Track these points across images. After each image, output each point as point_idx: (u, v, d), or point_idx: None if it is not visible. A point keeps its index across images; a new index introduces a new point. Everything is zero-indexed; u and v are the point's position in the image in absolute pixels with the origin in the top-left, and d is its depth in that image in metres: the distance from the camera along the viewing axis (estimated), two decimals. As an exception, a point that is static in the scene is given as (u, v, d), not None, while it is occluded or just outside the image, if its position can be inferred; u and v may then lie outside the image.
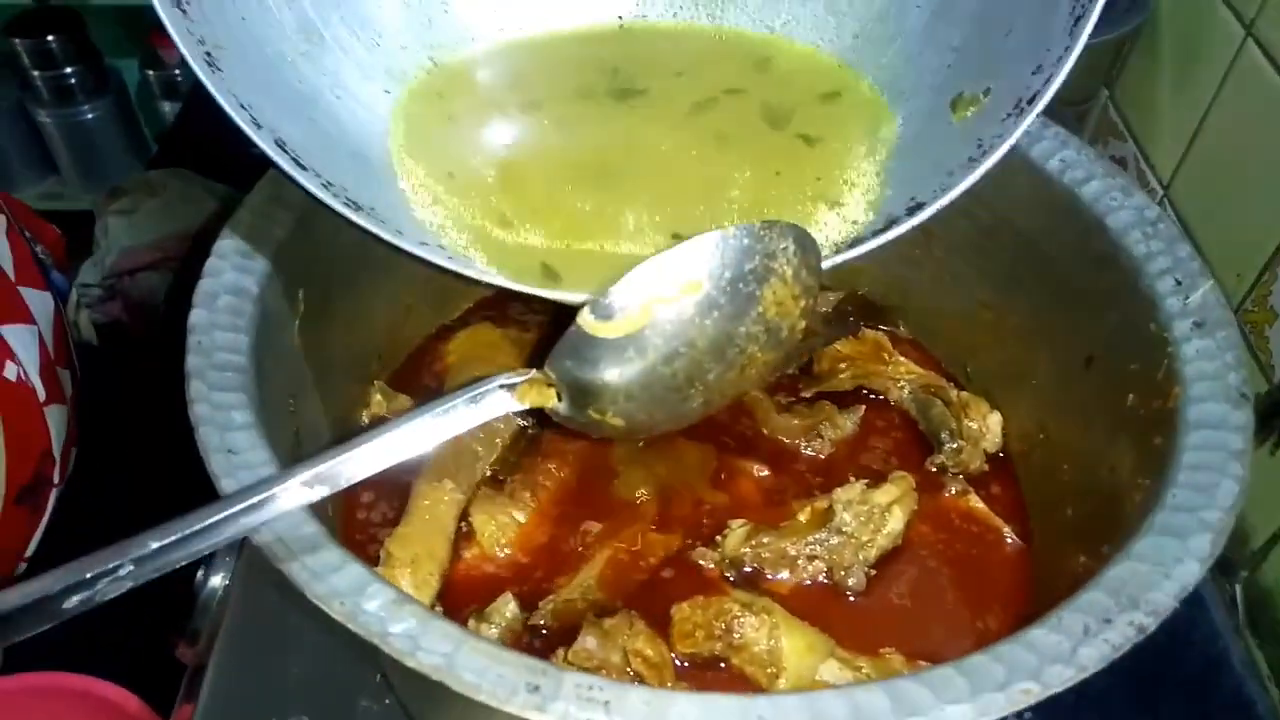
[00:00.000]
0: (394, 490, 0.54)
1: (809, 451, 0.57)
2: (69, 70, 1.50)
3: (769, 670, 0.47)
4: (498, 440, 0.56)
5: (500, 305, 0.65)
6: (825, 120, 0.51)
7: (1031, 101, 0.42)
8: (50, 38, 1.47)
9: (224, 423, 0.40)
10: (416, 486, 0.53)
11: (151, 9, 0.37)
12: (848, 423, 0.58)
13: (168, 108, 1.57)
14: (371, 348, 0.59)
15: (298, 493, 0.36)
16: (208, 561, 0.62)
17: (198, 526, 0.34)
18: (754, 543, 0.52)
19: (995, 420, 0.57)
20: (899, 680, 0.33)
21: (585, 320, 0.41)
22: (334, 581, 0.35)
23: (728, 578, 0.51)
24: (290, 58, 0.45)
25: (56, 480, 0.83)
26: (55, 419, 0.82)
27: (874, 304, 0.64)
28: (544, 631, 0.49)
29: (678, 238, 0.45)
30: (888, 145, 0.49)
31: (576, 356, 0.42)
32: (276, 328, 0.47)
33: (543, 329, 0.62)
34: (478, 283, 0.43)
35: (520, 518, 0.53)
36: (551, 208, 0.48)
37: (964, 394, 0.58)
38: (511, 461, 0.56)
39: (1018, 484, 0.57)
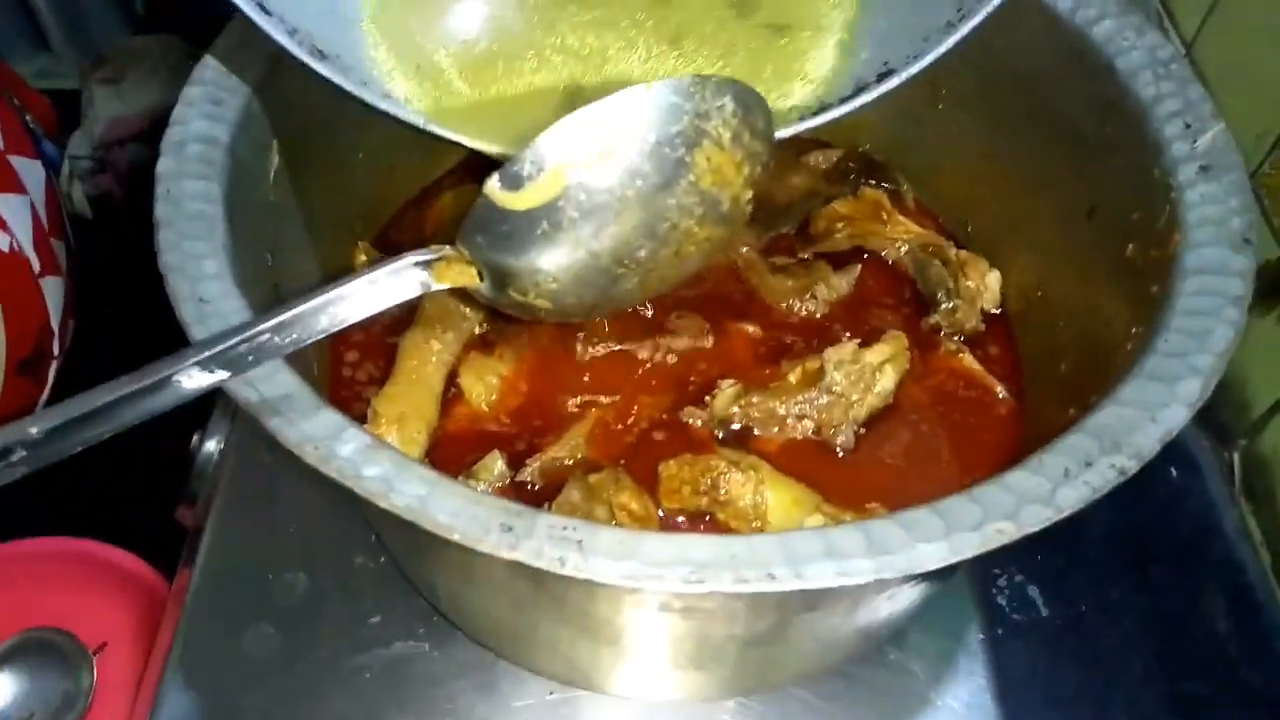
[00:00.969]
0: (380, 351, 0.54)
1: (803, 312, 0.56)
2: (54, -62, 1.44)
3: (754, 524, 0.47)
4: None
5: (489, 167, 0.63)
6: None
7: None
8: (32, -96, 1.41)
9: (195, 272, 0.39)
10: (402, 346, 0.52)
11: None
12: (842, 283, 0.57)
13: (159, -23, 1.52)
14: (354, 207, 0.58)
15: (199, 377, 0.34)
16: (203, 425, 0.62)
17: (87, 410, 0.32)
18: (743, 402, 0.51)
19: (994, 279, 0.56)
20: (873, 520, 0.33)
21: (492, 189, 0.37)
22: (306, 428, 0.35)
23: (717, 436, 0.51)
24: None
25: (56, 353, 0.84)
26: (52, 291, 0.82)
27: (875, 161, 0.62)
28: (532, 489, 0.49)
29: None
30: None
31: (486, 231, 0.38)
32: (250, 179, 0.45)
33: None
34: (447, 140, 0.41)
35: (508, 376, 0.53)
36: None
37: (963, 253, 0.57)
38: (499, 325, 0.55)
39: (1015, 344, 0.56)
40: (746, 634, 0.43)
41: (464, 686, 0.52)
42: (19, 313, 0.78)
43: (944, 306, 0.55)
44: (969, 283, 0.55)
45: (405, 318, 0.53)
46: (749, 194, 0.40)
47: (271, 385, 0.36)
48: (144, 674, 0.54)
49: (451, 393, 0.53)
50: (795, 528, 0.46)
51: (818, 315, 0.56)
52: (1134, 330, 0.41)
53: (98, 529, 0.77)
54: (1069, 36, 0.49)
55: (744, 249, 0.58)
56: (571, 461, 0.50)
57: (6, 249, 0.77)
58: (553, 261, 0.38)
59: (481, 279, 0.40)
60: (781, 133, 0.44)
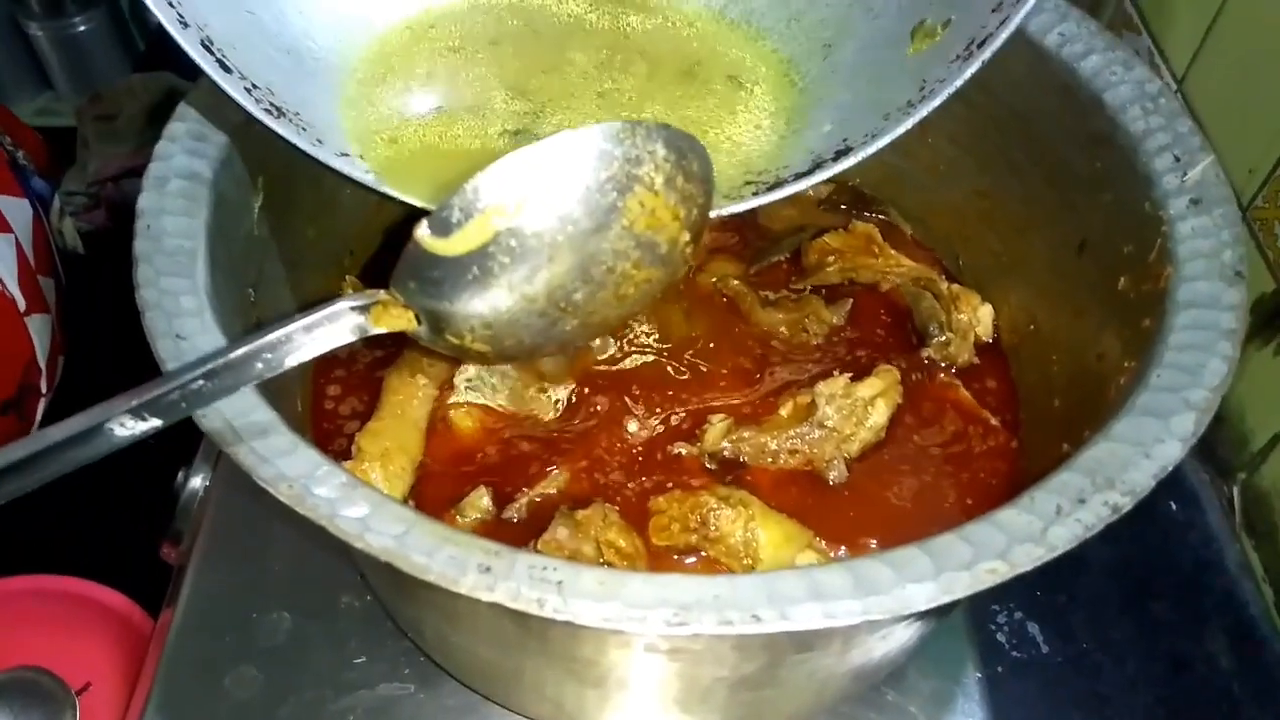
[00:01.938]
0: (365, 384, 0.53)
1: (794, 345, 0.56)
2: (59, -18, 1.46)
3: (745, 561, 0.46)
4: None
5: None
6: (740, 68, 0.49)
7: (983, 45, 0.41)
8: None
9: (172, 308, 0.39)
10: (388, 381, 0.52)
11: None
12: (834, 316, 0.56)
13: (160, 17, 1.54)
14: (341, 241, 0.57)
15: (131, 424, 0.33)
16: (189, 462, 0.62)
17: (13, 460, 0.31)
18: (734, 437, 0.50)
19: (986, 312, 0.55)
20: (861, 560, 0.32)
21: (422, 235, 0.36)
22: (281, 465, 0.34)
23: (708, 468, 0.50)
24: None
25: (45, 389, 0.83)
26: (38, 328, 0.82)
27: (866, 195, 0.62)
28: (519, 525, 0.48)
29: None
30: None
31: (418, 277, 0.37)
32: (233, 215, 0.45)
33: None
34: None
35: (498, 411, 0.52)
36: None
37: (955, 286, 0.57)
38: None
39: (1010, 377, 0.55)
40: (735, 676, 0.42)
41: (450, 730, 0.51)
42: (1, 354, 0.78)
43: (936, 340, 0.54)
44: (961, 316, 0.55)
45: (391, 352, 0.53)
46: (687, 236, 0.40)
47: (249, 421, 0.35)
48: (125, 717, 0.53)
49: (438, 427, 0.52)
50: (787, 565, 0.46)
51: (810, 347, 0.55)
52: (1127, 364, 0.41)
53: (83, 567, 0.76)
54: (1057, 72, 0.49)
55: (733, 281, 0.57)
56: (559, 498, 0.49)
57: (-11, 289, 0.77)
58: (487, 305, 0.38)
59: (419, 322, 0.39)
60: (736, 208, 0.44)
